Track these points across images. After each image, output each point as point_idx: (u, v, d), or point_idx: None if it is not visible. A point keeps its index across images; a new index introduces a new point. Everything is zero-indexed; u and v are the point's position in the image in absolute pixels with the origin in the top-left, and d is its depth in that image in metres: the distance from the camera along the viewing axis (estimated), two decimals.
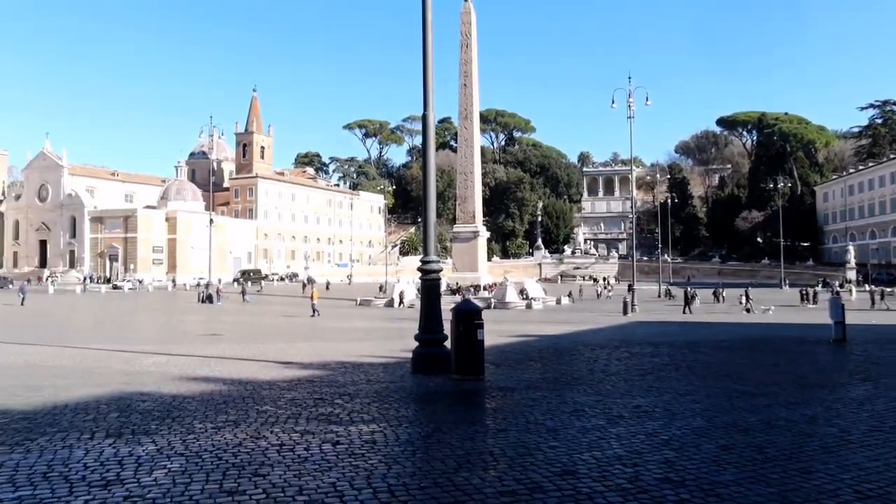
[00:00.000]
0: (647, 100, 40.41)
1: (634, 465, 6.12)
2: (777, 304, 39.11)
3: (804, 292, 46.57)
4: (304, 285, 39.44)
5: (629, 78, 40.21)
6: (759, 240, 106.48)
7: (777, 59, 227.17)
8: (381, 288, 55.68)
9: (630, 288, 39.86)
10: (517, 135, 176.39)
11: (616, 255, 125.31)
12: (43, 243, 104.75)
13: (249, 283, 68.63)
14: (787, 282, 70.23)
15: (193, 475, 5.79)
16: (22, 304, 40.72)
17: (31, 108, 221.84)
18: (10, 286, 74.11)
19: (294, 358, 14.54)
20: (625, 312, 33.82)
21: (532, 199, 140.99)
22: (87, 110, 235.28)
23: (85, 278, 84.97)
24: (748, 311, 35.93)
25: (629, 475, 5.79)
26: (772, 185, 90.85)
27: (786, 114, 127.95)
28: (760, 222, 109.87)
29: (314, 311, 31.73)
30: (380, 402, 9.32)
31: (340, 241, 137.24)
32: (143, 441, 7.03)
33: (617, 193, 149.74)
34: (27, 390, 10.26)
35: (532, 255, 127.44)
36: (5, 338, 19.89)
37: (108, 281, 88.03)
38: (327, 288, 70.40)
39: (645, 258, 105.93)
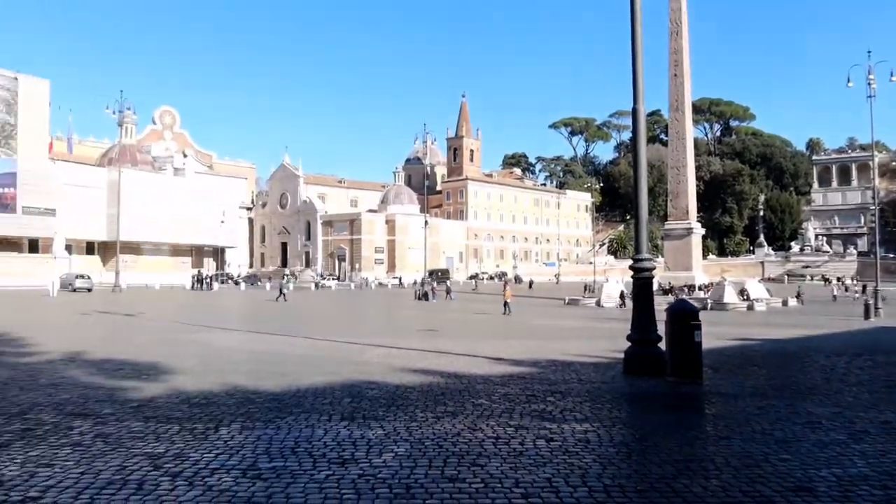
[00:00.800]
0: (892, 75, 35.44)
1: (885, 487, 5.46)
2: None
3: None
4: (506, 284, 40.08)
5: (868, 52, 35.52)
6: None
7: None
8: (586, 287, 54.96)
9: (864, 288, 35.20)
10: (734, 124, 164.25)
11: (854, 251, 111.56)
12: (284, 245, 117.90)
13: (438, 282, 70.49)
14: None
15: (417, 460, 6.21)
16: (279, 299, 44.71)
17: (274, 125, 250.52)
18: (259, 283, 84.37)
19: (505, 354, 14.89)
20: (867, 316, 29.99)
21: (752, 192, 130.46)
22: (318, 124, 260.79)
23: (321, 276, 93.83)
24: None
25: (879, 498, 5.18)
26: None
27: None
28: None
29: (506, 309, 32.00)
30: (592, 402, 9.25)
31: (548, 240, 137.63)
32: (373, 425, 7.67)
33: (854, 183, 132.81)
34: (275, 375, 11.62)
35: (753, 252, 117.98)
36: (258, 328, 22.69)
37: (338, 279, 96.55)
38: (530, 287, 70.98)
39: (891, 255, 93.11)
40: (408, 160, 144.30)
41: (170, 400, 9.23)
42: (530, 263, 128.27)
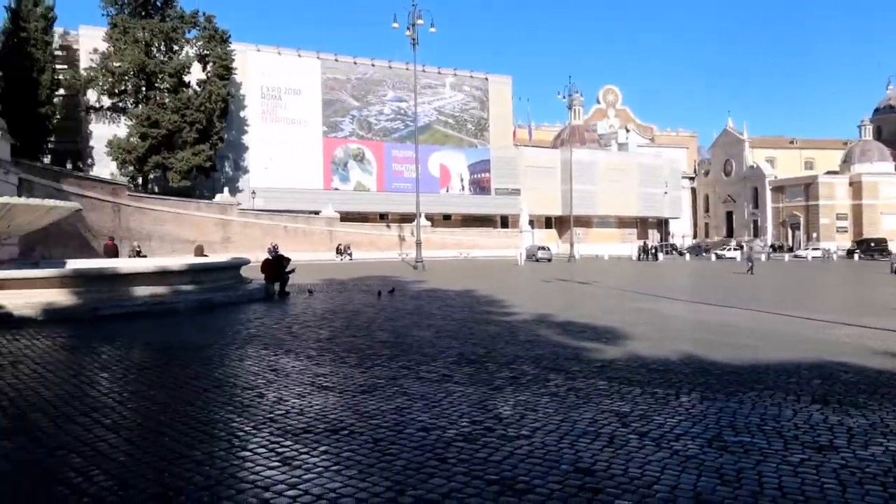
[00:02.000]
0: None
1: None
2: None
3: None
4: None
5: None
6: None
7: None
8: None
9: None
10: None
11: None
12: (729, 214, 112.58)
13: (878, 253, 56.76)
14: None
15: None
16: (750, 272, 41.79)
17: (714, 90, 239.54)
18: (704, 254, 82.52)
19: None
20: None
21: None
22: (763, 83, 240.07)
23: (772, 246, 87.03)
24: None
25: None
26: None
27: None
28: None
29: None
30: None
31: None
32: (852, 413, 6.87)
33: None
34: (729, 347, 11.27)
35: None
36: (704, 298, 22.21)
37: (791, 250, 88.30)
38: None
39: None
40: (876, 110, 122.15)
41: (629, 363, 9.74)
42: None
